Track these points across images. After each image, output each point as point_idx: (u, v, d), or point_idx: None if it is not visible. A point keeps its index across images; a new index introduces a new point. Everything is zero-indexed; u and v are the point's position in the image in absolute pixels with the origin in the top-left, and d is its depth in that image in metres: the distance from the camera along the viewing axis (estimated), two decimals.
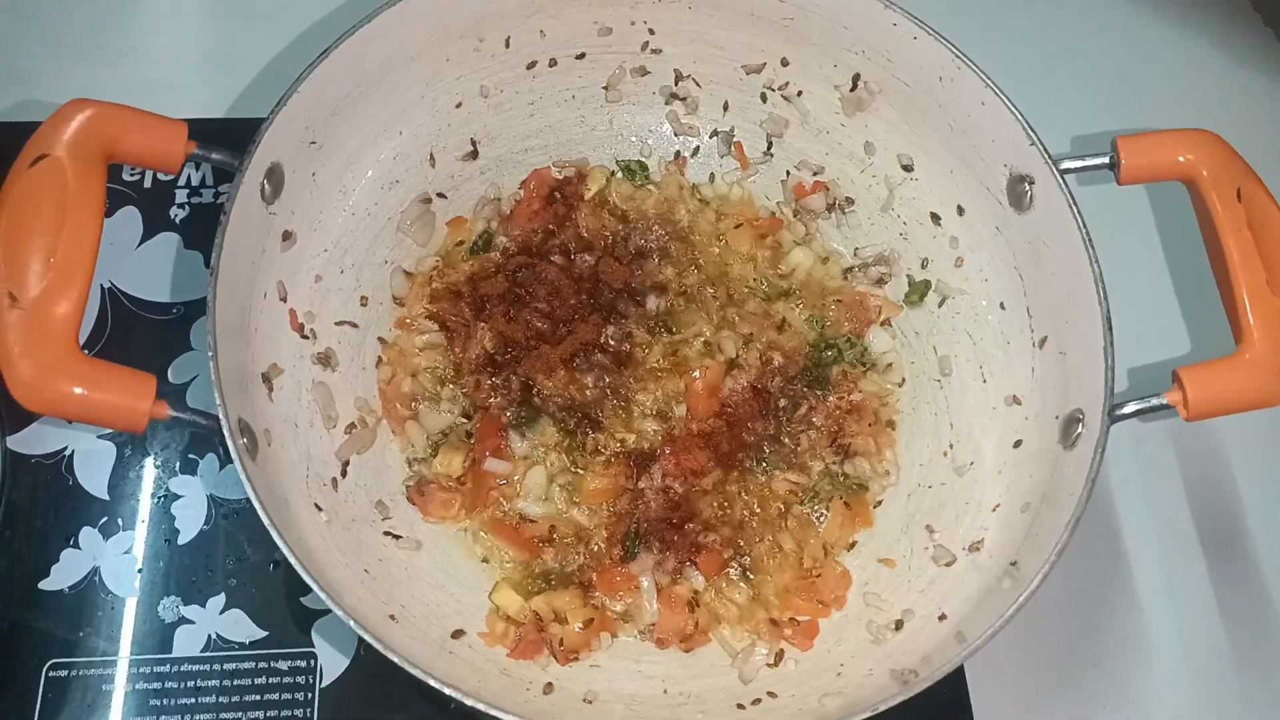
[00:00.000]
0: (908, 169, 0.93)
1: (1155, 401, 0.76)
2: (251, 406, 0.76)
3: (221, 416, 0.69)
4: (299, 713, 0.87)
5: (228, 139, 0.78)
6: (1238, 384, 0.75)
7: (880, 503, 0.90)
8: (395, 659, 0.68)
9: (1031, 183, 0.83)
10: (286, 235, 0.83)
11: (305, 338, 0.85)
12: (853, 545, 0.89)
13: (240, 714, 0.87)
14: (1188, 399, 0.75)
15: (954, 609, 0.80)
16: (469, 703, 0.68)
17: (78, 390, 0.66)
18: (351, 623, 0.68)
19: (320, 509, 0.80)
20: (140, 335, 0.97)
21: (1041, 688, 0.92)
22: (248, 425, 0.73)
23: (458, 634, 0.81)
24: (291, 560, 0.68)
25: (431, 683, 0.68)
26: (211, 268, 0.72)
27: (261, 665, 0.88)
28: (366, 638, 0.68)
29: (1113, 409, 0.75)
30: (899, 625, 0.82)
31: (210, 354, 0.70)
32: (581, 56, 0.95)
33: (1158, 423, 0.99)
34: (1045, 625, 0.91)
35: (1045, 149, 0.82)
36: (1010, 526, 0.81)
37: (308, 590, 0.90)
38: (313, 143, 0.83)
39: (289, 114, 0.78)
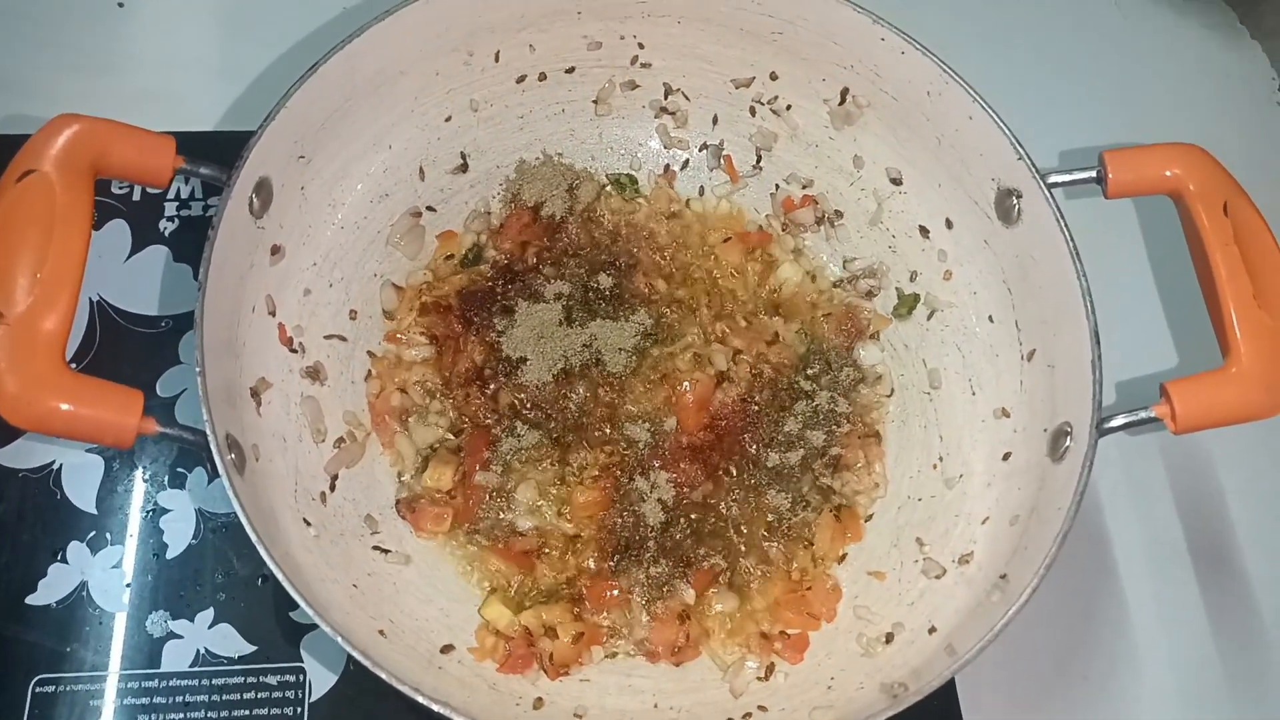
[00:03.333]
0: (896, 182, 0.94)
1: (1143, 415, 0.76)
2: (239, 421, 0.76)
3: (209, 432, 0.69)
4: None
5: (217, 152, 0.77)
6: (1225, 397, 0.75)
7: (870, 516, 0.90)
8: (383, 675, 0.68)
9: (1019, 197, 0.83)
10: (275, 249, 0.83)
11: (294, 352, 0.85)
12: (843, 558, 0.89)
13: None
14: (1175, 412, 0.75)
15: (944, 622, 0.80)
16: (458, 719, 0.68)
17: (64, 406, 0.65)
18: (339, 639, 0.68)
19: (309, 523, 0.79)
20: (128, 349, 0.97)
21: (1032, 700, 0.92)
22: (235, 440, 0.73)
23: (447, 649, 0.81)
24: (279, 576, 0.68)
25: (420, 699, 0.67)
26: (200, 282, 0.72)
27: (250, 680, 0.88)
28: (354, 654, 0.68)
29: (1101, 422, 0.75)
30: (889, 638, 0.82)
31: (198, 369, 0.70)
32: (571, 70, 0.95)
33: (1146, 436, 0.99)
34: (1035, 638, 0.91)
35: (1032, 163, 0.82)
36: (999, 539, 0.81)
37: (296, 605, 0.89)
38: (301, 157, 0.83)
39: (278, 128, 0.78)
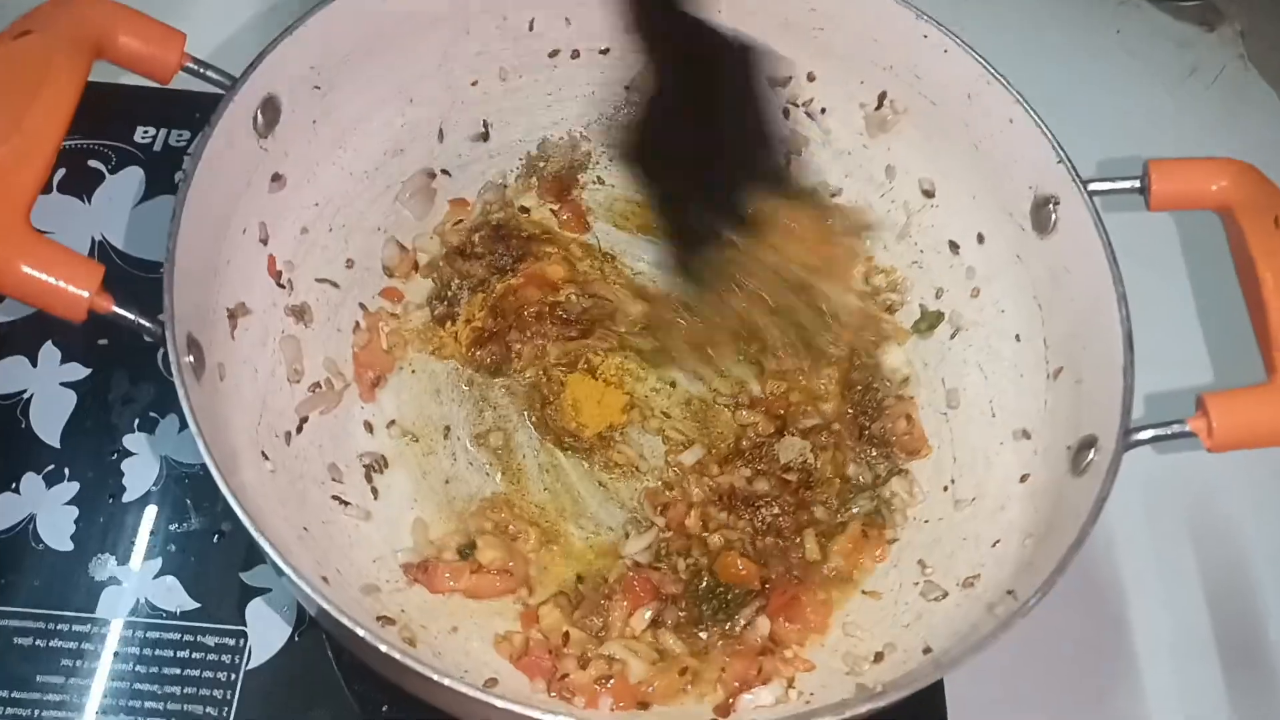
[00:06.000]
0: (928, 194, 0.89)
1: (1176, 428, 0.69)
2: (209, 333, 0.71)
3: (167, 320, 0.64)
4: (219, 693, 0.81)
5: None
6: (1267, 415, 0.68)
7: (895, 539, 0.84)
8: (332, 610, 0.60)
9: (1057, 204, 0.79)
10: (276, 177, 0.79)
11: (281, 286, 0.81)
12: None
13: (157, 686, 0.81)
14: (1212, 427, 0.68)
15: (940, 644, 0.73)
16: (410, 664, 0.60)
17: (23, 266, 0.61)
18: (288, 570, 0.61)
19: (267, 457, 0.74)
20: (124, 292, 0.93)
21: None
22: (197, 343, 0.68)
23: (385, 620, 0.74)
24: (229, 498, 0.61)
25: (376, 643, 0.60)
26: (185, 172, 0.68)
27: (188, 638, 0.83)
28: (304, 587, 0.60)
29: (1129, 432, 0.69)
30: (879, 658, 0.75)
31: (168, 249, 0.66)
32: (606, 52, 0.92)
33: (1163, 468, 0.91)
34: (1037, 665, 0.86)
35: (1074, 167, 0.78)
36: (1008, 560, 0.75)
37: (248, 565, 0.84)
38: (317, 87, 0.80)
39: (294, 45, 0.75)
